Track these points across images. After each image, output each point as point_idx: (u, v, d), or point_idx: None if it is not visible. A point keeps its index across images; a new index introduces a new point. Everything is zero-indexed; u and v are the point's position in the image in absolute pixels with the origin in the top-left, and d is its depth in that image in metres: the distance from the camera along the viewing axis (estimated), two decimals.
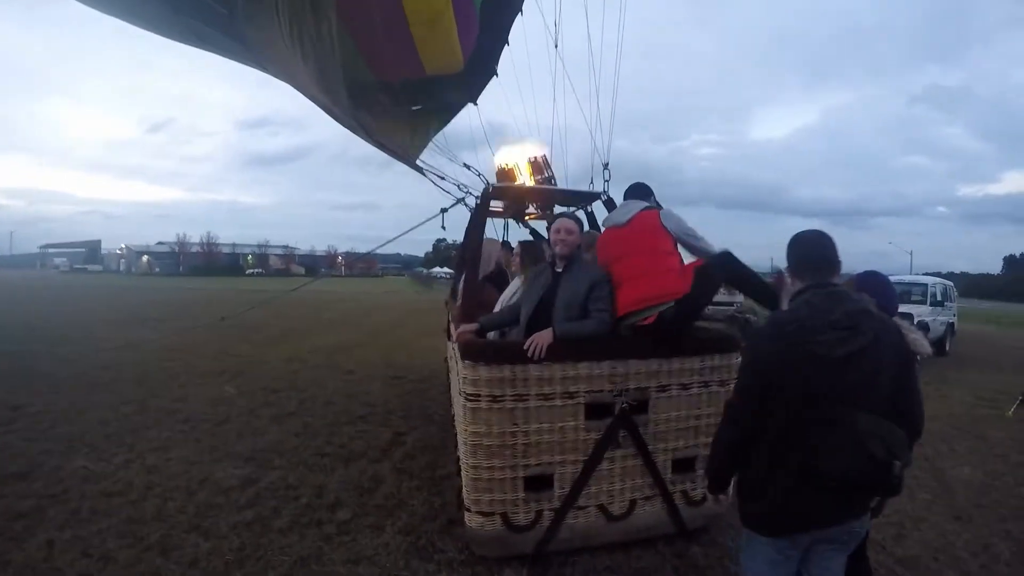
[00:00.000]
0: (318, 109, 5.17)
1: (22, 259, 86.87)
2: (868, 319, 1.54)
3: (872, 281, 2.08)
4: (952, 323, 11.63)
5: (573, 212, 3.88)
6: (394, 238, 5.37)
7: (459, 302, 3.53)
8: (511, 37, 5.19)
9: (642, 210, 2.88)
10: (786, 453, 1.57)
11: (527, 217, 5.30)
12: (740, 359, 2.91)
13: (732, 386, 2.88)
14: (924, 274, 12.35)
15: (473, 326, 2.95)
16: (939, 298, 11.29)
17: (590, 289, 2.67)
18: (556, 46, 5.00)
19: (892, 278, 2.47)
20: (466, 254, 3.92)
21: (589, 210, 4.36)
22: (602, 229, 3.13)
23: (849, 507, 1.62)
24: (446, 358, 6.28)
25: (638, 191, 3.10)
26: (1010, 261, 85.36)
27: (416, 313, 15.56)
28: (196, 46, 4.93)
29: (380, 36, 4.53)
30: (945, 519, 3.39)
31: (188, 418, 5.01)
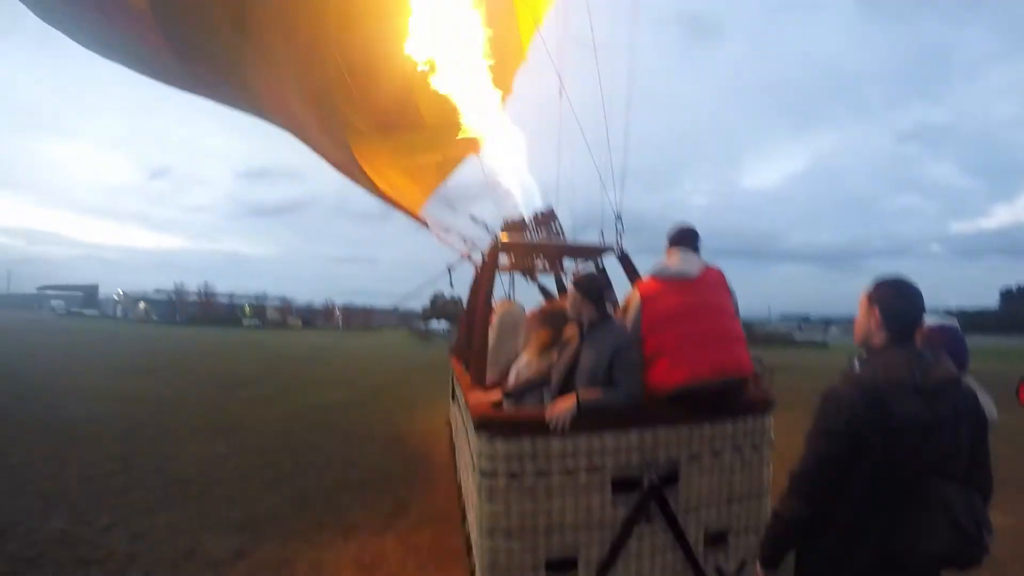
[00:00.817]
0: (316, 161, 5.14)
1: (19, 299, 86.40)
2: (952, 385, 1.42)
3: (946, 335, 1.94)
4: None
5: (585, 270, 3.74)
6: (407, 294, 5.24)
7: (468, 369, 3.31)
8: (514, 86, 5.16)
9: (706, 265, 2.64)
10: (865, 529, 1.40)
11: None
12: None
13: (765, 451, 2.70)
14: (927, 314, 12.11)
15: (494, 396, 2.73)
16: None
17: (614, 354, 2.45)
18: (561, 93, 4.91)
19: None
20: (474, 315, 3.64)
21: (600, 264, 4.22)
22: (651, 276, 2.70)
23: None
24: (448, 420, 6.00)
25: (690, 238, 2.69)
26: (1007, 295, 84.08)
27: (415, 371, 15.22)
28: (199, 93, 4.93)
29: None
30: None
31: (176, 479, 4.73)
